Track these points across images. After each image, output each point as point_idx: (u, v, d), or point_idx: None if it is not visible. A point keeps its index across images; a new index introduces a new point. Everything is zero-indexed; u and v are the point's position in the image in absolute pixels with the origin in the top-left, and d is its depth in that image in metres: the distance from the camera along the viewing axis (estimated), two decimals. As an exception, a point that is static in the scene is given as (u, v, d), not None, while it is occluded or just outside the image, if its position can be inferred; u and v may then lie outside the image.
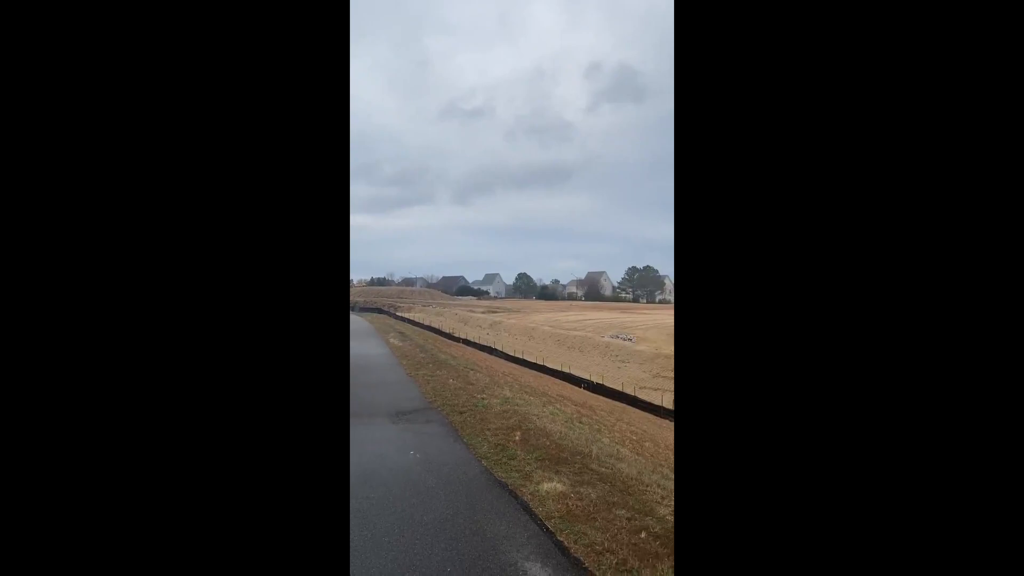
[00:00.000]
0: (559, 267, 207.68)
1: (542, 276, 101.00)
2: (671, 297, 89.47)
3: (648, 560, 2.78)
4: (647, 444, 7.42)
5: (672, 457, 6.76)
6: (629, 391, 21.30)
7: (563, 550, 2.92)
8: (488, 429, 5.55)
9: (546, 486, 3.84)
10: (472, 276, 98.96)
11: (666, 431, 11.67)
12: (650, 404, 19.63)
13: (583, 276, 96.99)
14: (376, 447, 4.94)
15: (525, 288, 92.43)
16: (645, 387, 22.93)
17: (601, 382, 22.21)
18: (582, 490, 3.79)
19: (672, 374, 24.69)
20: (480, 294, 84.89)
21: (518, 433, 5.33)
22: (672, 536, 3.09)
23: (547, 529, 3.17)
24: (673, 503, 3.68)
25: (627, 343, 31.20)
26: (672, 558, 2.82)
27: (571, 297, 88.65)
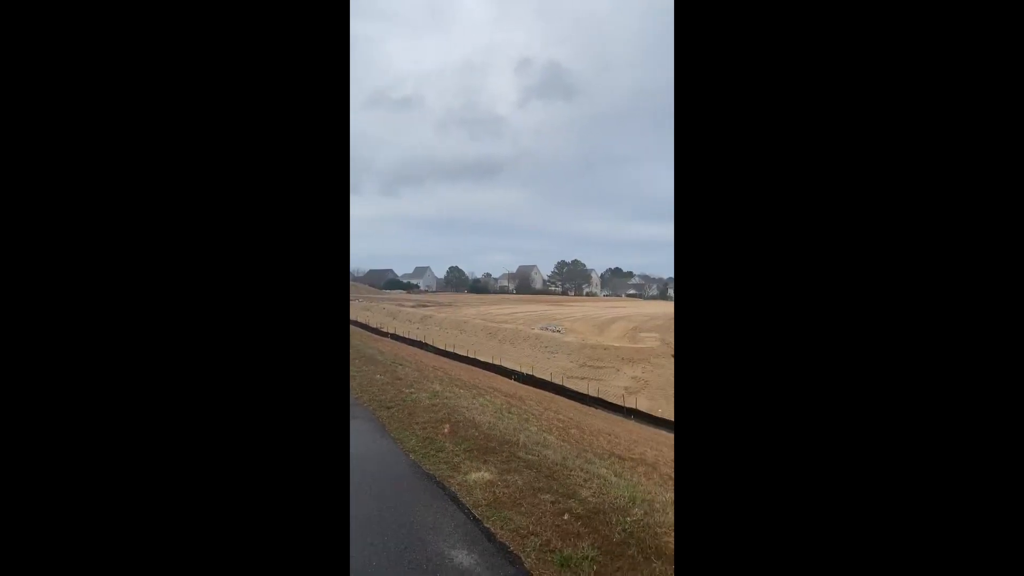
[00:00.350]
0: (491, 261, 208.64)
1: (474, 270, 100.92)
2: (597, 289, 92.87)
3: (569, 539, 2.92)
4: (573, 431, 7.70)
5: (596, 441, 7.08)
6: (558, 381, 21.93)
7: (489, 536, 2.99)
8: (416, 423, 5.51)
9: (474, 476, 3.89)
10: (401, 269, 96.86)
11: (591, 417, 12.17)
12: (577, 392, 20.34)
13: (514, 270, 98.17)
14: (298, 447, 4.74)
15: (456, 282, 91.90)
16: (573, 376, 23.70)
17: (531, 373, 22.69)
18: (509, 477, 3.89)
19: (597, 363, 25.75)
20: (410, 288, 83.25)
21: (447, 426, 5.35)
22: (592, 515, 3.26)
23: (474, 517, 3.23)
24: (593, 485, 3.87)
25: (556, 334, 32.04)
26: (592, 536, 2.98)
27: (503, 290, 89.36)
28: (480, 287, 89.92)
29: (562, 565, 2.66)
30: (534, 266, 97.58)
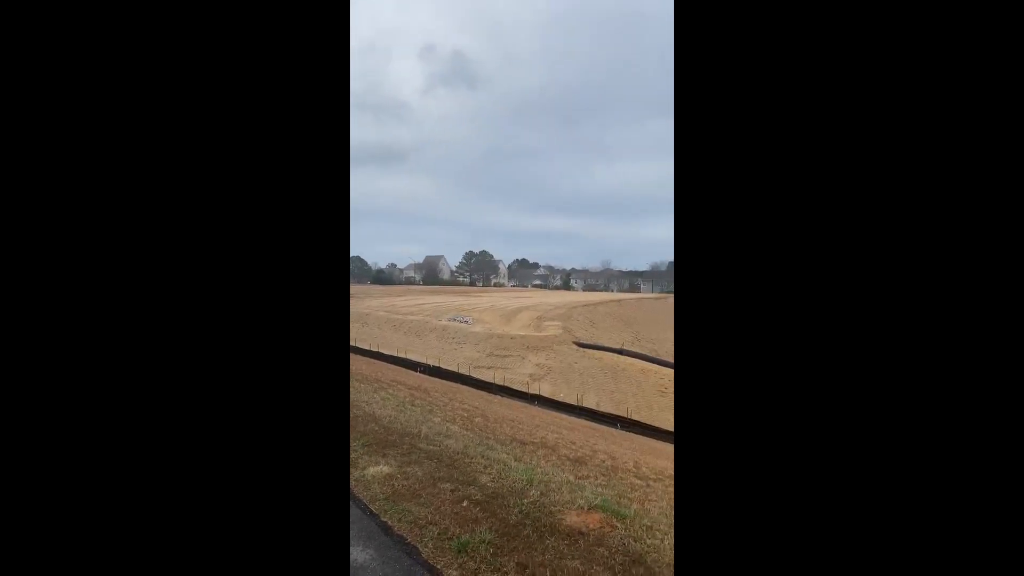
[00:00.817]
0: (396, 251, 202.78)
1: (378, 260, 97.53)
2: (504, 280, 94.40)
3: (468, 525, 2.96)
4: (477, 419, 7.78)
5: (499, 428, 7.23)
6: (465, 371, 22.02)
7: (386, 530, 2.94)
8: (312, 420, 5.24)
9: (372, 470, 3.80)
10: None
11: (496, 405, 12.39)
12: (483, 382, 20.59)
13: (421, 260, 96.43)
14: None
15: (359, 272, 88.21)
16: (480, 366, 23.94)
17: (438, 364, 22.53)
18: (409, 469, 3.84)
19: (504, 352, 26.28)
20: (309, 278, 78.29)
21: (345, 421, 5.15)
22: (491, 500, 3.34)
23: (371, 512, 3.15)
24: (493, 471, 3.96)
25: (464, 325, 32.09)
26: (490, 520, 3.05)
27: (409, 281, 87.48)
28: (384, 278, 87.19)
29: (459, 551, 2.69)
30: (441, 256, 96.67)
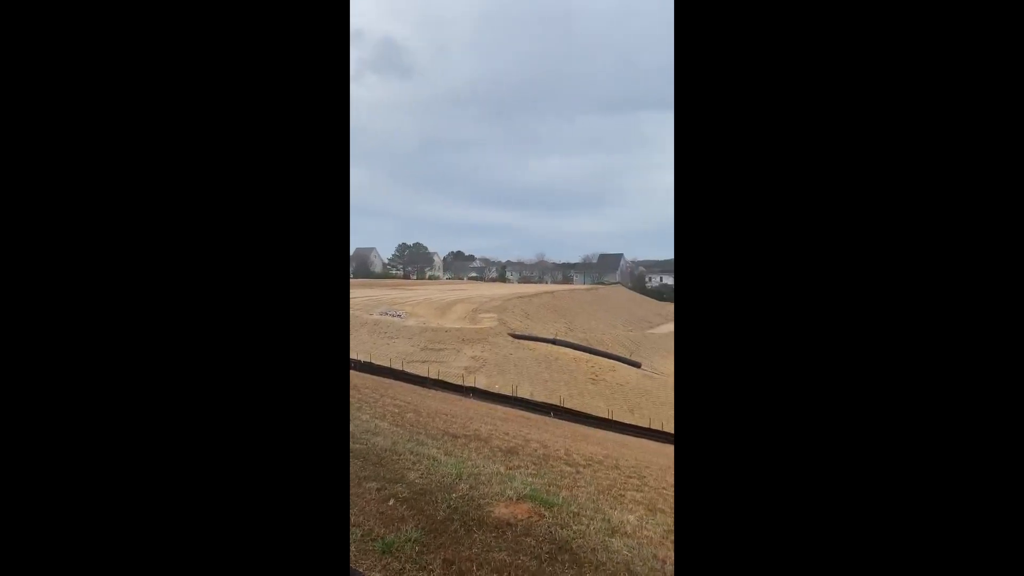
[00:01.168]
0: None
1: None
2: (439, 273, 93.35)
3: (393, 525, 2.88)
4: (409, 415, 7.63)
5: (432, 423, 7.13)
6: (398, 366, 21.60)
7: (306, 536, 2.79)
8: (225, 424, 4.88)
9: (292, 474, 3.60)
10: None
11: (429, 399, 12.24)
12: (417, 376, 20.30)
13: (352, 252, 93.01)
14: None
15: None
16: (414, 360, 23.57)
17: (369, 360, 21.90)
18: (332, 471, 3.68)
19: (438, 346, 26.00)
20: (227, 272, 73.17)
21: (263, 423, 4.85)
22: (418, 497, 3.27)
23: (289, 519, 2.98)
24: (422, 467, 3.88)
25: (396, 319, 31.39)
26: (417, 518, 2.98)
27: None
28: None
29: (384, 552, 2.60)
30: (373, 249, 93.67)
